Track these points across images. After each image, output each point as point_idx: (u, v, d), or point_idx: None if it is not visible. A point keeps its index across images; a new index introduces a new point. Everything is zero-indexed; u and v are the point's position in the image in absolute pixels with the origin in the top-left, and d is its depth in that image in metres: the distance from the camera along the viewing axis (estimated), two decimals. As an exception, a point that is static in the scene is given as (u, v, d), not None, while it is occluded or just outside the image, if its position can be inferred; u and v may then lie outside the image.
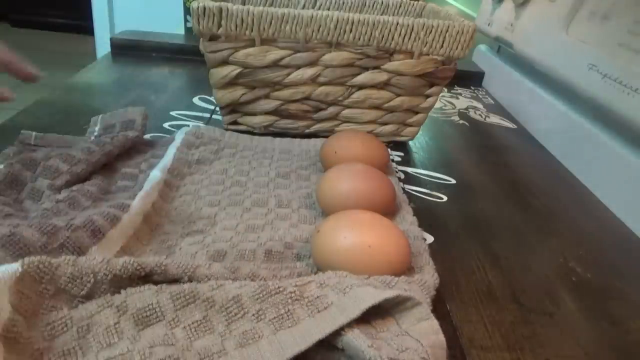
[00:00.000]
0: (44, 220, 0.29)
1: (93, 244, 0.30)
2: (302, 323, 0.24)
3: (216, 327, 0.24)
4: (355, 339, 0.23)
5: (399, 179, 0.48)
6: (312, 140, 0.50)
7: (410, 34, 0.46)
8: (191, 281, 0.27)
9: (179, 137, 0.45)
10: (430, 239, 0.39)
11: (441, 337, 0.25)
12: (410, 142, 0.56)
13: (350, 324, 0.24)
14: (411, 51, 0.47)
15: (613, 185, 0.48)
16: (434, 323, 0.25)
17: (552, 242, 0.41)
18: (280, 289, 0.25)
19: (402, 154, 0.53)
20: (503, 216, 0.44)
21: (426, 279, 0.30)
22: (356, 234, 0.30)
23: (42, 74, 0.40)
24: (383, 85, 0.49)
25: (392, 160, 0.51)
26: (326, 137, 0.47)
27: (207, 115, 0.57)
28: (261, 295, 0.25)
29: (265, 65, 0.46)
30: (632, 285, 0.37)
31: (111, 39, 0.75)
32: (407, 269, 0.31)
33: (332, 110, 0.51)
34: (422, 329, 0.24)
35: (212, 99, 0.61)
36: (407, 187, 0.47)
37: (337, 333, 0.24)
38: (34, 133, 0.42)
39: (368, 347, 0.22)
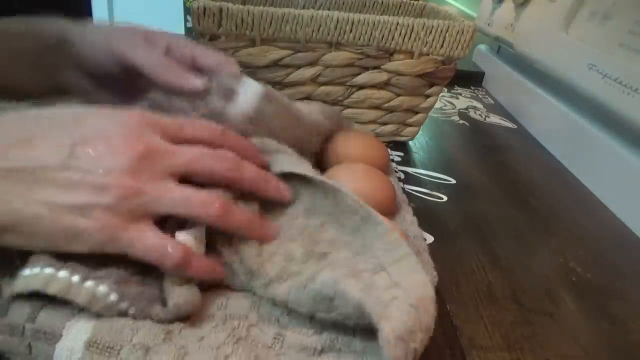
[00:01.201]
0: None
1: None
2: None
3: None
4: (349, 285, 0.23)
5: (399, 178, 0.48)
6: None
7: (410, 34, 0.46)
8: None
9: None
10: (430, 239, 0.39)
11: (430, 291, 0.24)
12: (410, 142, 0.56)
13: (345, 276, 0.24)
14: (411, 51, 0.47)
15: (613, 185, 0.48)
16: (424, 277, 0.25)
17: (552, 242, 0.41)
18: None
19: (402, 154, 0.53)
20: (503, 216, 0.44)
21: None
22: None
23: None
24: (383, 85, 0.49)
25: (392, 160, 0.51)
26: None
27: (207, 115, 0.57)
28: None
29: (265, 65, 0.46)
30: (632, 285, 0.37)
31: (111, 39, 0.75)
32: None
33: (332, 110, 0.51)
34: (413, 282, 0.24)
35: (212, 99, 0.61)
36: (407, 187, 0.47)
37: (329, 284, 0.24)
38: None
39: (358, 292, 0.23)
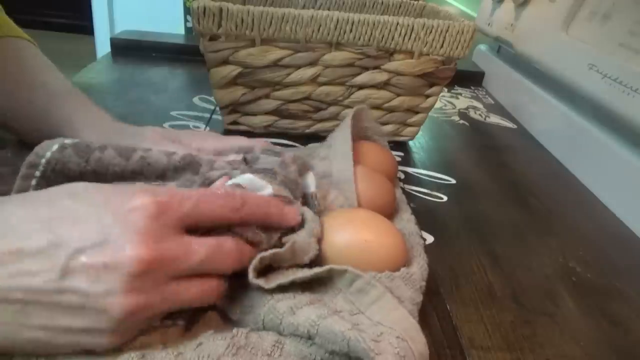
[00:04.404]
0: None
1: None
2: None
3: None
4: (335, 323, 0.23)
5: (399, 179, 0.48)
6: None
7: (410, 34, 0.46)
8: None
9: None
10: (430, 239, 0.39)
11: (412, 321, 0.25)
12: (410, 142, 0.56)
13: (329, 312, 0.24)
14: (411, 51, 0.47)
15: (613, 185, 0.48)
16: (403, 312, 0.25)
17: (552, 242, 0.41)
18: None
19: (402, 154, 0.53)
20: (503, 216, 0.44)
21: (413, 271, 0.30)
22: (353, 230, 0.30)
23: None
24: (383, 85, 0.49)
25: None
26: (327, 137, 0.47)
27: (207, 115, 0.57)
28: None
29: (265, 65, 0.46)
30: (632, 285, 0.37)
31: (111, 39, 0.75)
32: (404, 263, 0.31)
33: (332, 110, 0.51)
34: (393, 318, 0.25)
35: (212, 99, 0.61)
36: (407, 187, 0.47)
37: (315, 319, 0.24)
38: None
39: (348, 330, 0.22)
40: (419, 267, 0.31)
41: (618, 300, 0.35)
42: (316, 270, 0.26)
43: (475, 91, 0.80)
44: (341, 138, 0.38)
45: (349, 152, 0.36)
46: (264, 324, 0.25)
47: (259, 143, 0.39)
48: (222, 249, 0.25)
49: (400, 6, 0.61)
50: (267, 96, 0.49)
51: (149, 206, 0.22)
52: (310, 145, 0.47)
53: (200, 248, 0.24)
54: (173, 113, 0.56)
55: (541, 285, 0.36)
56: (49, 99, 0.39)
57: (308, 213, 0.30)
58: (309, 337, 0.24)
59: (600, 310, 0.34)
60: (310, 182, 0.33)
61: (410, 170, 0.50)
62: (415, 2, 0.61)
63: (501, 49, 0.83)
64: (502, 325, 0.31)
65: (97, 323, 0.21)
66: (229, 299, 0.27)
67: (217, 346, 0.23)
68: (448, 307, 0.32)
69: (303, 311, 0.24)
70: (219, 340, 0.24)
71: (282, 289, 0.26)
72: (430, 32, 0.46)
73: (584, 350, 0.30)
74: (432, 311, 0.31)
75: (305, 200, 0.33)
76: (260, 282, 0.25)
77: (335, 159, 0.37)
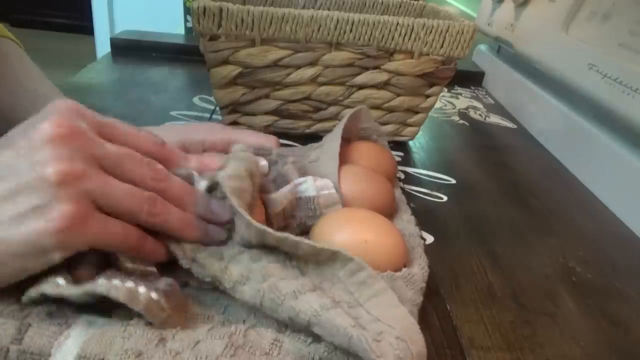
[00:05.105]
0: None
1: None
2: None
3: None
4: (338, 317, 0.23)
5: (399, 179, 0.48)
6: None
7: (410, 34, 0.46)
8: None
9: None
10: (430, 239, 0.39)
11: (412, 320, 0.25)
12: (410, 142, 0.56)
13: (332, 303, 0.24)
14: (411, 51, 0.47)
15: (613, 185, 0.48)
16: (403, 310, 0.25)
17: (552, 242, 0.41)
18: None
19: (402, 154, 0.53)
20: (503, 216, 0.44)
21: (414, 272, 0.30)
22: (353, 230, 0.30)
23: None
24: (383, 85, 0.49)
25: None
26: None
27: (207, 115, 0.57)
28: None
29: (265, 65, 0.46)
30: (632, 285, 0.37)
31: (111, 39, 0.75)
32: (404, 263, 0.31)
33: (332, 110, 0.51)
34: (393, 315, 0.25)
35: (212, 99, 0.61)
36: (407, 187, 0.47)
37: (317, 309, 0.24)
38: None
39: (351, 327, 0.22)
40: (420, 268, 0.30)
41: (618, 300, 0.35)
42: (323, 245, 0.26)
43: (475, 91, 0.80)
44: (331, 140, 0.38)
45: (336, 154, 0.36)
46: (262, 303, 0.25)
47: (271, 142, 0.36)
48: (145, 159, 0.25)
49: (400, 6, 0.61)
50: (267, 96, 0.49)
51: (74, 103, 0.24)
52: (309, 146, 0.47)
53: (122, 147, 0.25)
54: (173, 113, 0.56)
55: (541, 285, 0.36)
56: (32, 105, 0.39)
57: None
58: (308, 325, 0.24)
59: (600, 310, 0.34)
60: (309, 186, 0.33)
61: (410, 170, 0.50)
62: (415, 2, 0.61)
63: (501, 49, 0.83)
64: (502, 325, 0.31)
65: (36, 199, 0.21)
66: (220, 265, 0.26)
67: (215, 346, 0.23)
68: (448, 307, 0.32)
69: (306, 297, 0.24)
70: (217, 339, 0.24)
71: (283, 264, 0.26)
72: (430, 32, 0.46)
73: (584, 350, 0.30)
74: (432, 311, 0.31)
75: (299, 202, 0.33)
76: (269, 229, 0.25)
77: (322, 161, 0.37)
